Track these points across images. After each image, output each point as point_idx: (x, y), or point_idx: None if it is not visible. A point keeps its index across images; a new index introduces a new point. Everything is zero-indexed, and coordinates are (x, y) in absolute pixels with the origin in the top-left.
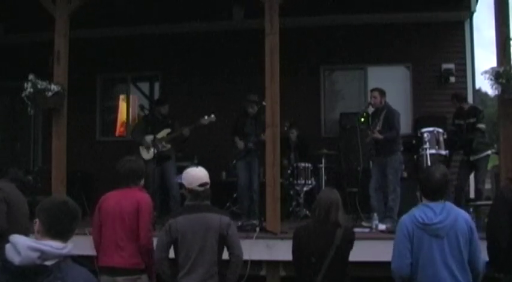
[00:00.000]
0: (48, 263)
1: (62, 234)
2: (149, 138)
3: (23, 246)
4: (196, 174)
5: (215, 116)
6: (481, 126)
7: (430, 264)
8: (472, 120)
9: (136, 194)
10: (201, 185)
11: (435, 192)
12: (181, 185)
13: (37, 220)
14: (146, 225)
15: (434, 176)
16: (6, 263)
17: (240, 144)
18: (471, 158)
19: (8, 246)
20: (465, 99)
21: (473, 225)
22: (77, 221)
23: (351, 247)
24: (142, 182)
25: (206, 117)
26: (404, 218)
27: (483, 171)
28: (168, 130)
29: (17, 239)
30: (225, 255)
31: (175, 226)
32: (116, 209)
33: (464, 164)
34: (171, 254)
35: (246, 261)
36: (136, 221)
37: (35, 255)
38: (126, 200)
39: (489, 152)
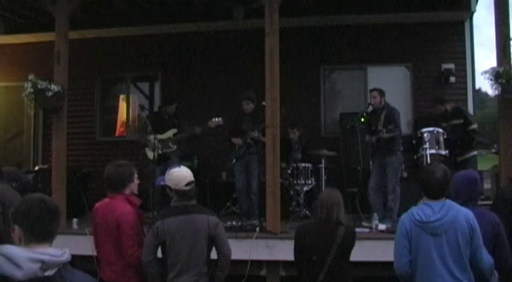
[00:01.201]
0: (49, 273)
1: (48, 237)
2: (153, 138)
3: (22, 258)
4: (182, 174)
5: (222, 119)
6: (474, 126)
7: (428, 262)
8: (456, 121)
9: (118, 208)
10: (187, 184)
11: (436, 191)
12: (166, 187)
13: (15, 227)
14: (128, 242)
15: (435, 174)
16: (2, 279)
17: (238, 140)
18: (458, 159)
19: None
20: (446, 100)
21: (475, 223)
22: (58, 219)
23: (353, 245)
24: (128, 189)
25: (214, 119)
26: (404, 216)
27: None
28: (174, 130)
29: (10, 250)
30: (213, 255)
31: (162, 228)
32: (102, 223)
33: (452, 165)
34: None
35: (246, 261)
36: (120, 237)
37: (37, 266)
38: (109, 214)
39: (475, 152)
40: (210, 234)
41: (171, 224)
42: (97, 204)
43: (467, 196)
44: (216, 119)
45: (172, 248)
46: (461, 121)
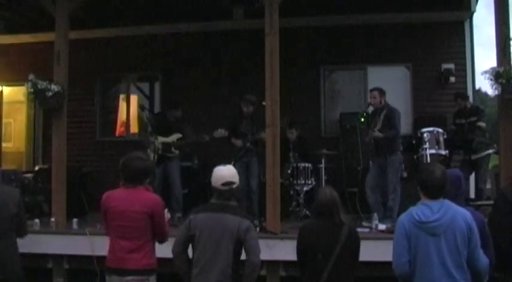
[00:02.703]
0: None
1: None
2: (153, 138)
3: None
4: (221, 173)
5: (226, 132)
6: (481, 124)
7: (426, 263)
8: (473, 119)
9: (146, 196)
10: (224, 184)
11: (436, 191)
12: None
13: None
14: (164, 230)
15: (434, 174)
16: None
17: (238, 142)
18: (472, 157)
19: None
20: (468, 97)
21: (474, 223)
22: None
23: (358, 245)
24: (148, 180)
25: (219, 130)
26: (402, 216)
27: (484, 171)
28: (178, 135)
29: None
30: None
31: (194, 222)
32: (127, 213)
33: (465, 164)
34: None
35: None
36: (150, 223)
37: None
38: (137, 204)
39: (490, 151)
40: (239, 237)
41: (202, 220)
42: (112, 194)
43: (453, 194)
44: (221, 131)
45: (198, 244)
46: (476, 118)
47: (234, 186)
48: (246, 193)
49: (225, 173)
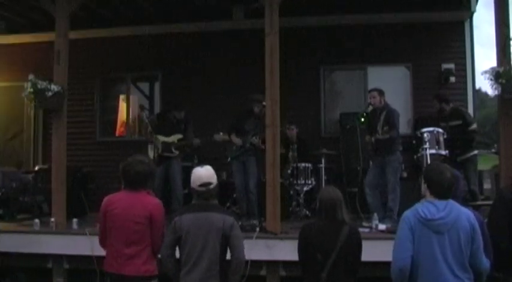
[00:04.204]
0: None
1: None
2: (154, 140)
3: None
4: (198, 174)
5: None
6: (474, 127)
7: (430, 260)
8: (455, 122)
9: (146, 201)
10: (201, 185)
11: (445, 192)
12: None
13: None
14: (160, 237)
15: (445, 175)
16: None
17: (238, 140)
18: (458, 159)
19: None
20: (446, 100)
21: (477, 224)
22: None
23: (360, 246)
24: (149, 184)
25: (221, 133)
26: (407, 212)
27: (472, 171)
28: (179, 135)
29: None
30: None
31: (179, 224)
32: (127, 217)
33: (451, 165)
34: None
35: (246, 262)
36: (149, 229)
37: None
38: (137, 208)
39: (476, 151)
40: (224, 234)
41: (187, 220)
42: (112, 198)
43: (453, 194)
44: (222, 135)
45: (186, 243)
46: (460, 122)
47: (211, 186)
48: (245, 192)
49: (202, 174)
